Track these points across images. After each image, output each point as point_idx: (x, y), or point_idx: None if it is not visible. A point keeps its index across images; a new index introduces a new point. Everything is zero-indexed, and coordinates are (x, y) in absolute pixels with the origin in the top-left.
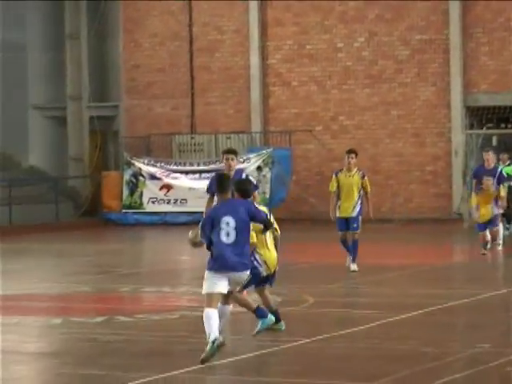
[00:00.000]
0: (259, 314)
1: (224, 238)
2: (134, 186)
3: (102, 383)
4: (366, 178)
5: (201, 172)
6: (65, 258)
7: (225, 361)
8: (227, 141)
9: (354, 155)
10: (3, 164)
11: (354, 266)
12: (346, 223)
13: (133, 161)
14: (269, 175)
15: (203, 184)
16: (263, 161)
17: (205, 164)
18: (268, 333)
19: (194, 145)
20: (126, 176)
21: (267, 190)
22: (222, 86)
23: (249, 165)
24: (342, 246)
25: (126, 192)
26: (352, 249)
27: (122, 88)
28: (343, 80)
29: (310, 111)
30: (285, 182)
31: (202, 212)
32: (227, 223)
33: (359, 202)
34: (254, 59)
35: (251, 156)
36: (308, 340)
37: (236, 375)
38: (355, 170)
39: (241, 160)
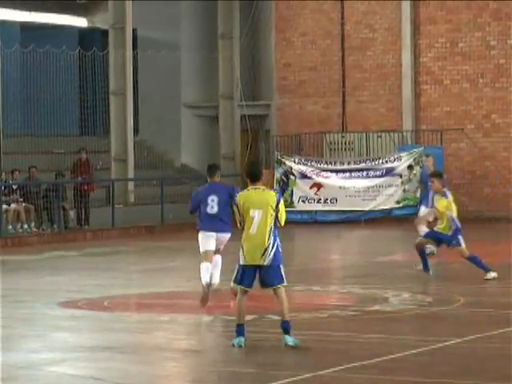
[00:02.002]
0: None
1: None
2: (285, 185)
3: (253, 381)
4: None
5: (351, 171)
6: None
7: (372, 361)
8: (378, 139)
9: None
10: (156, 163)
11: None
12: None
13: (284, 159)
14: (419, 174)
15: (354, 183)
16: (414, 159)
17: (355, 163)
18: (413, 332)
19: (345, 143)
20: (277, 174)
21: (417, 189)
22: (374, 85)
23: (400, 163)
24: None
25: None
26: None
27: (273, 87)
28: (496, 78)
29: (462, 109)
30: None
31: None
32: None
33: None
34: (406, 57)
35: (402, 155)
36: (459, 340)
37: (386, 375)
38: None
39: (391, 159)
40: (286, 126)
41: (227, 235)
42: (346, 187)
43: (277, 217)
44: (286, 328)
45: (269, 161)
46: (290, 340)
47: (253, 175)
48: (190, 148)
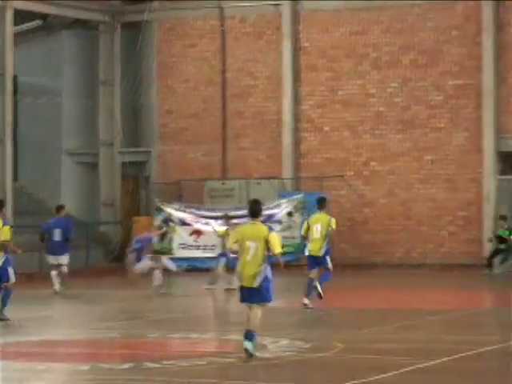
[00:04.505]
0: None
1: None
2: (164, 232)
3: None
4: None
5: (232, 218)
6: (95, 304)
7: None
8: (258, 186)
9: None
10: (36, 209)
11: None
12: None
13: (163, 206)
14: (299, 221)
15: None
16: (294, 206)
17: (235, 210)
18: (291, 379)
19: (225, 190)
20: (157, 222)
21: (298, 236)
22: (255, 132)
23: (279, 210)
24: None
25: (156, 237)
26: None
27: (154, 133)
28: (375, 125)
29: (341, 156)
30: None
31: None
32: None
33: None
34: (287, 104)
35: (282, 201)
36: None
37: None
38: None
39: (271, 206)
40: (167, 172)
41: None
42: None
43: (269, 247)
44: (248, 335)
45: (149, 208)
46: (249, 346)
47: (252, 212)
48: (70, 195)
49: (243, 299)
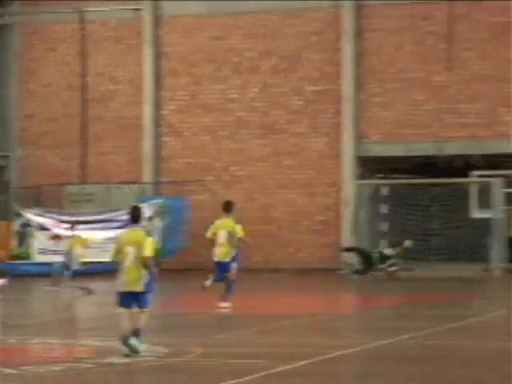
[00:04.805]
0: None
1: None
2: (23, 237)
3: None
4: None
5: (91, 222)
6: None
7: None
8: (118, 191)
9: None
10: None
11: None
12: None
13: (22, 211)
14: (159, 225)
15: (93, 234)
16: (154, 211)
17: (95, 214)
18: None
19: (85, 195)
20: (16, 226)
21: (158, 241)
22: (115, 136)
23: None
24: None
25: (15, 242)
26: None
27: (14, 138)
28: (236, 130)
29: (202, 161)
30: (178, 232)
31: None
32: None
33: None
34: (147, 109)
35: (142, 206)
36: None
37: None
38: None
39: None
40: (26, 177)
41: None
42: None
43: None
44: (134, 333)
45: (7, 213)
46: (133, 341)
47: (132, 218)
48: None
49: (124, 304)
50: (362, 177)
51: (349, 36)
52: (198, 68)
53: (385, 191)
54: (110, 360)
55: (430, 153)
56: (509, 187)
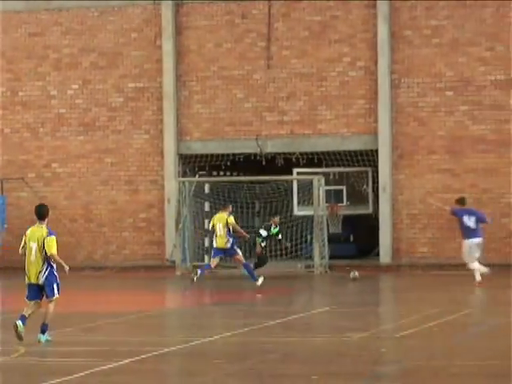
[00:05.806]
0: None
1: None
2: None
3: None
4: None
5: None
6: None
7: None
8: None
9: None
10: None
11: None
12: None
13: None
14: None
15: None
16: None
17: None
18: None
19: None
20: None
21: None
22: None
23: None
24: None
25: None
26: None
27: None
28: (56, 127)
29: (22, 158)
30: None
31: None
32: None
33: None
34: None
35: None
36: None
37: None
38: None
39: None
40: None
41: None
42: None
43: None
44: (43, 329)
45: None
46: (43, 338)
47: (37, 215)
48: None
49: (30, 296)
50: (184, 174)
51: (168, 33)
52: (17, 64)
53: (207, 189)
54: None
55: (251, 150)
56: (328, 185)
